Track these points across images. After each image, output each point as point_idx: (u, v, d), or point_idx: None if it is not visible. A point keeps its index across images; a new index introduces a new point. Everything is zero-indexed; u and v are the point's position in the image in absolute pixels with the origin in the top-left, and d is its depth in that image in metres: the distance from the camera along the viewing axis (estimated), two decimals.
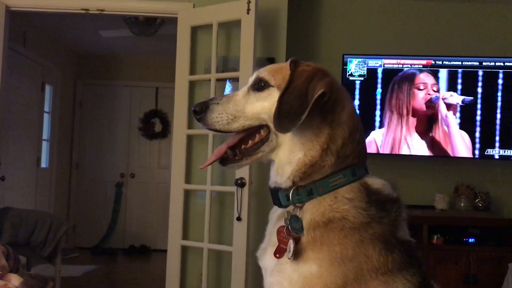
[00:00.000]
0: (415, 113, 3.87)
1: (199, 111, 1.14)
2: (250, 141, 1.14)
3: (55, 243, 3.88)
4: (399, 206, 1.11)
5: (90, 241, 6.50)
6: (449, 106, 3.84)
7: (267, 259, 1.13)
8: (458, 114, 3.86)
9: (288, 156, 1.10)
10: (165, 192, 6.23)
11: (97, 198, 6.75)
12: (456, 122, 3.84)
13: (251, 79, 1.19)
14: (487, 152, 3.85)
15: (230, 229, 3.13)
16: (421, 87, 3.87)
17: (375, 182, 1.13)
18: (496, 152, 3.84)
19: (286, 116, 1.03)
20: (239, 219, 3.03)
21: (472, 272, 3.64)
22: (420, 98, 3.86)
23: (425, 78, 3.88)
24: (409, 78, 3.89)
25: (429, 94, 3.86)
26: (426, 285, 1.07)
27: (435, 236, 3.69)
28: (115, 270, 5.82)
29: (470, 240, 3.73)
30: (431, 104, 3.85)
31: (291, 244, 1.05)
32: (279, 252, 1.08)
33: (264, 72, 1.16)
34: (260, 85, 1.15)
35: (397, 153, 3.90)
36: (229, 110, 1.13)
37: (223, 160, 1.16)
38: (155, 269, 5.66)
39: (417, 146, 3.87)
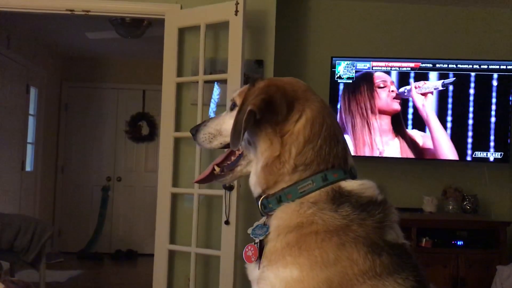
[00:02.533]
0: (382, 112, 3.87)
1: (194, 133, 1.31)
2: (232, 158, 1.26)
3: (39, 248, 3.82)
4: (385, 208, 1.10)
5: (76, 246, 6.40)
6: (424, 95, 3.85)
7: (252, 270, 1.15)
8: (449, 118, 3.86)
9: (255, 166, 1.19)
10: (152, 195, 6.14)
11: (83, 202, 6.66)
12: (434, 114, 3.84)
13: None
14: (475, 155, 3.86)
15: (218, 233, 3.10)
16: (381, 85, 3.87)
17: (349, 184, 1.12)
18: (484, 154, 3.86)
19: (236, 133, 1.13)
20: (227, 222, 3.00)
21: (461, 275, 3.64)
22: (384, 96, 3.87)
23: (382, 76, 3.88)
24: (367, 78, 3.88)
25: (392, 91, 3.86)
26: None
27: (424, 239, 3.69)
28: (101, 275, 5.74)
29: (458, 242, 3.74)
30: (400, 99, 3.86)
31: (252, 249, 1.13)
32: (247, 259, 1.15)
33: (234, 94, 1.27)
34: (232, 106, 1.27)
35: (371, 155, 3.90)
36: (211, 130, 1.27)
37: (214, 176, 1.28)
38: (142, 274, 5.60)
39: (389, 148, 3.87)
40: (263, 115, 1.12)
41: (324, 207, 1.07)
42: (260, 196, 1.17)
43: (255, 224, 1.18)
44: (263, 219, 1.18)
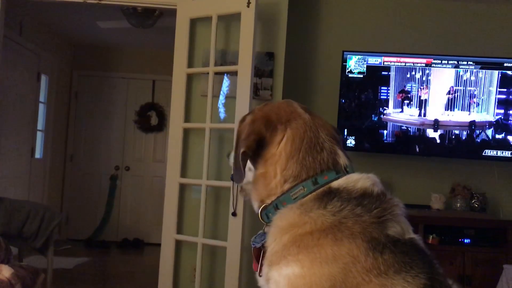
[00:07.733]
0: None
1: (228, 156, 1.43)
2: None
3: (47, 234, 3.85)
4: (384, 201, 1.07)
5: (83, 233, 6.46)
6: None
7: (259, 277, 1.20)
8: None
9: (250, 183, 1.27)
10: (159, 185, 6.20)
11: (91, 190, 6.71)
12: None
13: None
14: (485, 153, 3.83)
15: (225, 224, 3.11)
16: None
17: (337, 182, 1.12)
18: (495, 153, 3.83)
19: (237, 170, 1.23)
20: (234, 214, 3.01)
21: (467, 273, 3.63)
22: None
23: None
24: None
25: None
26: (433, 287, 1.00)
27: (431, 236, 3.67)
28: (107, 263, 5.79)
29: (465, 240, 3.73)
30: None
31: (254, 257, 1.18)
32: (255, 267, 1.21)
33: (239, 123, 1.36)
34: None
35: (394, 152, 3.89)
36: (232, 153, 1.36)
37: None
38: (148, 262, 5.64)
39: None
40: (255, 150, 1.22)
41: (311, 206, 1.09)
42: (258, 206, 1.23)
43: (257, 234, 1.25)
44: (264, 228, 1.22)
